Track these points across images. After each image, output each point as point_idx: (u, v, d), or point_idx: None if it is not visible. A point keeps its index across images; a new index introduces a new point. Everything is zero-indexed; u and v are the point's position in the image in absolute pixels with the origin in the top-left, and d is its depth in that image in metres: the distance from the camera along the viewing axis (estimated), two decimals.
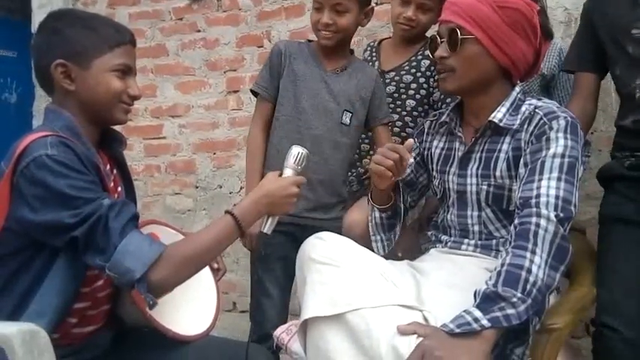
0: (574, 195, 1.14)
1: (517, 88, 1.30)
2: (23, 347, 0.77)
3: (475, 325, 1.02)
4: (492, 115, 1.26)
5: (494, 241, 1.28)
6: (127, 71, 1.16)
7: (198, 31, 2.51)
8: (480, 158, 1.29)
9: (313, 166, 1.61)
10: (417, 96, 1.78)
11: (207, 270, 1.32)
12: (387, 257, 1.41)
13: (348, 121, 1.68)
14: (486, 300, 1.05)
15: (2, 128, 3.00)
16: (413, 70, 1.79)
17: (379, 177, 1.28)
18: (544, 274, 1.06)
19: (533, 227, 1.10)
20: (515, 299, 1.04)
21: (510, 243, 1.12)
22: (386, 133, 1.73)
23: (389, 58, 1.84)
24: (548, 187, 1.14)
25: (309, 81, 1.68)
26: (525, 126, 1.23)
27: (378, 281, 1.13)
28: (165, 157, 2.52)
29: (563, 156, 1.16)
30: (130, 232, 1.03)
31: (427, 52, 1.76)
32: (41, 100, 2.71)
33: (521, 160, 1.21)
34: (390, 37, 1.91)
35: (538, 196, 1.13)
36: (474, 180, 1.30)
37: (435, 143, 1.42)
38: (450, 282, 1.20)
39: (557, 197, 1.13)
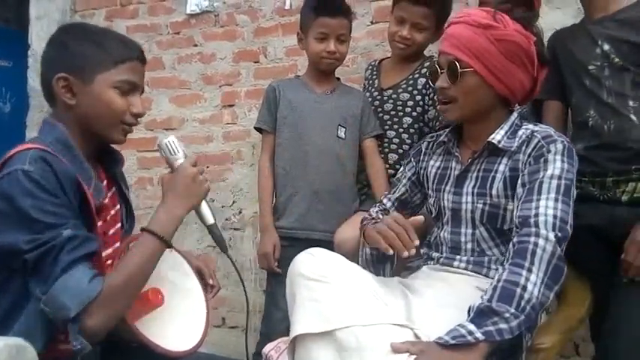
0: (569, 215, 1.17)
1: (515, 114, 1.34)
2: None
3: (469, 338, 1.03)
4: (491, 136, 1.29)
5: (485, 259, 1.29)
6: (131, 88, 1.14)
7: (195, 45, 2.53)
8: (477, 177, 1.31)
9: (318, 178, 1.70)
10: (414, 113, 1.82)
11: (196, 284, 1.31)
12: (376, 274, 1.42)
13: (344, 135, 1.80)
14: (480, 315, 1.06)
15: None
16: (410, 88, 1.82)
17: (377, 246, 1.26)
18: (539, 292, 1.07)
19: (531, 246, 1.11)
20: (508, 315, 1.05)
21: (507, 260, 1.13)
22: (372, 146, 1.82)
23: (387, 76, 1.90)
24: (547, 207, 1.16)
25: (303, 104, 1.81)
26: (523, 148, 1.26)
27: (370, 299, 1.13)
28: (158, 169, 2.51)
29: (560, 178, 1.19)
30: (76, 266, 0.98)
31: (424, 71, 1.81)
32: (35, 111, 2.71)
33: (519, 180, 1.24)
34: (389, 57, 1.96)
35: (537, 215, 1.15)
36: (470, 198, 1.32)
37: (431, 162, 1.44)
38: (441, 301, 1.20)
39: (555, 217, 1.15)
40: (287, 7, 2.37)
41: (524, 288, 1.06)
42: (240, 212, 2.45)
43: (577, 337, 1.77)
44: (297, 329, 1.09)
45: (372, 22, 2.28)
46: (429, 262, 1.40)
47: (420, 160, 1.48)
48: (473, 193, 1.31)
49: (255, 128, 1.92)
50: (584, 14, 1.58)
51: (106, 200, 1.19)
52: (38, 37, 2.69)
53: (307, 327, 1.07)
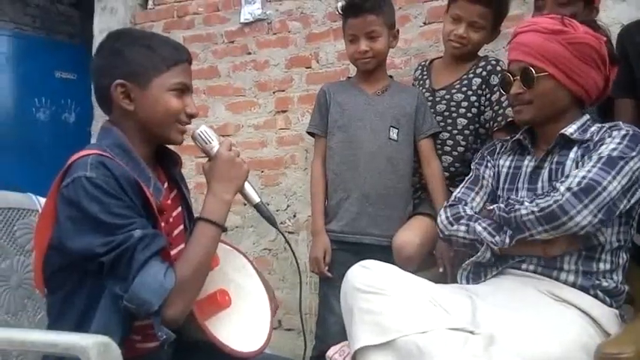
0: (607, 180, 1.17)
1: (587, 115, 1.35)
2: (98, 358, 0.81)
3: None
4: (564, 129, 1.31)
5: (557, 262, 1.26)
6: (184, 90, 1.18)
7: (249, 53, 2.58)
8: (550, 170, 1.32)
9: (369, 181, 1.69)
10: (469, 114, 1.78)
11: (260, 285, 1.34)
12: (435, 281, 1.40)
13: (396, 137, 1.76)
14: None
15: (61, 147, 3.16)
16: (464, 89, 1.79)
17: None
18: (526, 213, 1.22)
19: (544, 195, 1.22)
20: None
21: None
22: (428, 146, 1.77)
23: (440, 76, 1.87)
24: (579, 171, 1.20)
25: (354, 106, 1.79)
26: (594, 137, 1.28)
27: (427, 307, 1.13)
28: None
29: (609, 154, 1.21)
30: (150, 263, 1.03)
31: (479, 71, 1.78)
32: (99, 121, 2.84)
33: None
34: (440, 57, 1.92)
35: (568, 176, 1.21)
36: (545, 191, 1.29)
37: (501, 162, 1.44)
38: (508, 304, 1.18)
39: (583, 177, 1.18)
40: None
41: (517, 209, 1.23)
42: (294, 216, 2.48)
43: None
44: (358, 343, 1.10)
45: (424, 23, 2.26)
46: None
47: (495, 159, 1.47)
48: (548, 185, 1.31)
49: (307, 132, 1.94)
50: None
51: (168, 201, 1.22)
52: None
53: (367, 340, 1.09)
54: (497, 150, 1.48)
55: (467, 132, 1.79)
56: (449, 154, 1.80)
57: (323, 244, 1.75)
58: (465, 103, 1.79)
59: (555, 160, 1.32)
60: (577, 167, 1.26)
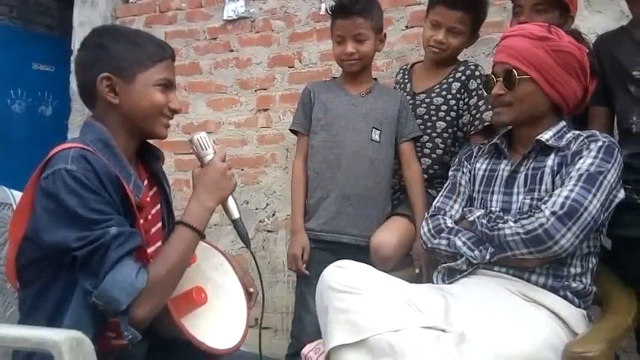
0: (588, 200, 1.20)
1: (563, 122, 1.39)
2: (70, 354, 0.80)
3: None
4: (540, 135, 1.34)
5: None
6: (168, 85, 1.19)
7: (232, 50, 2.58)
8: (526, 176, 1.35)
9: (349, 182, 1.70)
10: (447, 118, 1.81)
11: (237, 283, 1.33)
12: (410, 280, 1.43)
13: (378, 138, 1.77)
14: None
15: (37, 140, 3.11)
16: (444, 93, 1.82)
17: None
18: (510, 234, 1.25)
19: (527, 214, 1.24)
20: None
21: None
22: (409, 149, 1.79)
23: (420, 80, 1.89)
24: (562, 190, 1.22)
25: (337, 106, 1.80)
26: (570, 145, 1.32)
27: (401, 306, 1.15)
28: None
29: (587, 169, 1.24)
30: (123, 261, 1.03)
31: (458, 75, 1.81)
32: (77, 114, 2.81)
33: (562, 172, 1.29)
34: (421, 61, 1.95)
35: (550, 196, 1.23)
36: (520, 197, 1.34)
37: (477, 165, 1.47)
38: (480, 303, 1.21)
39: (566, 197, 1.21)
40: (322, 12, 2.40)
41: (500, 229, 1.25)
42: (273, 214, 2.48)
43: (617, 348, 1.73)
44: (332, 341, 1.11)
45: (407, 27, 2.28)
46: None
47: (471, 163, 1.50)
48: (523, 191, 1.34)
49: (290, 130, 1.94)
50: (629, 16, 1.55)
51: (148, 199, 1.22)
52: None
53: (341, 339, 1.10)
54: (474, 154, 1.51)
55: (445, 135, 1.81)
56: (428, 156, 1.83)
57: (301, 242, 1.76)
58: (444, 107, 1.81)
59: (532, 165, 1.35)
60: (554, 176, 1.29)
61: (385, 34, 1.83)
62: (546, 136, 1.34)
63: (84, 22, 2.81)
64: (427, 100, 1.83)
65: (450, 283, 1.35)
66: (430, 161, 1.83)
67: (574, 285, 1.27)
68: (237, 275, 1.36)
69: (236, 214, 1.23)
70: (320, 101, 1.82)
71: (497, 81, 1.36)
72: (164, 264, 1.09)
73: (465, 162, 1.50)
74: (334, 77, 1.94)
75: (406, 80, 1.92)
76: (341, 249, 1.69)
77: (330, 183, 1.76)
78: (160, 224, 1.27)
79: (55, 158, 1.06)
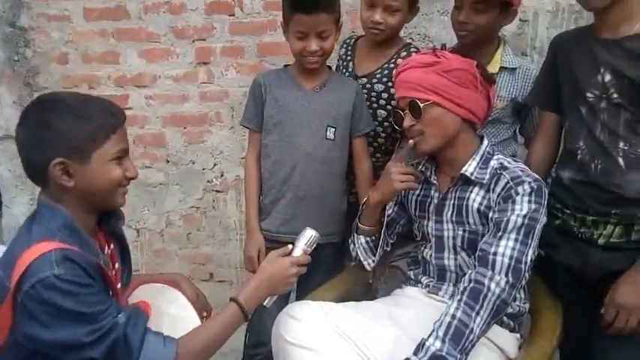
0: (526, 254, 1.29)
1: (485, 142, 1.43)
2: None
3: None
4: (464, 168, 1.39)
5: None
6: (124, 155, 1.15)
7: None
8: (454, 205, 1.42)
9: (304, 183, 1.68)
10: (389, 107, 1.77)
11: (193, 313, 1.38)
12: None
13: (333, 136, 1.72)
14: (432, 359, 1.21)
15: None
16: (384, 79, 1.76)
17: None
18: (481, 331, 1.25)
19: (485, 290, 1.26)
20: (453, 359, 1.21)
21: (462, 293, 1.27)
22: (362, 145, 1.77)
23: (363, 62, 1.81)
24: (506, 247, 1.29)
25: (290, 102, 1.70)
26: (493, 186, 1.36)
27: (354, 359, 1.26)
28: (132, 129, 2.40)
29: (524, 218, 1.30)
30: (146, 339, 1.10)
31: (399, 61, 1.73)
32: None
33: (490, 215, 1.35)
34: (365, 36, 1.82)
35: (495, 254, 1.28)
36: (450, 226, 1.43)
37: (410, 192, 1.52)
38: (423, 336, 1.32)
39: (511, 258, 1.28)
40: None
41: (472, 330, 1.24)
42: (222, 175, 2.44)
43: None
44: None
45: None
46: (417, 285, 1.51)
47: (403, 194, 1.56)
48: (452, 221, 1.42)
49: (241, 124, 1.83)
50: (592, 22, 1.42)
51: (110, 266, 1.22)
52: None
53: None
54: None
55: (386, 124, 1.78)
56: (370, 145, 1.80)
57: (257, 243, 1.75)
58: (385, 95, 1.76)
59: (457, 195, 1.43)
60: (481, 217, 1.37)
61: (342, 23, 1.68)
62: (470, 168, 1.40)
63: None
64: (368, 85, 1.77)
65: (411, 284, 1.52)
66: (372, 149, 1.81)
67: (510, 310, 1.39)
68: (194, 307, 1.40)
69: (268, 304, 1.33)
70: (272, 96, 1.70)
71: (405, 114, 1.42)
72: (203, 336, 1.18)
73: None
74: (286, 65, 1.78)
75: (349, 58, 1.83)
76: None
77: (284, 185, 1.72)
78: (119, 284, 1.27)
79: (36, 266, 1.03)
